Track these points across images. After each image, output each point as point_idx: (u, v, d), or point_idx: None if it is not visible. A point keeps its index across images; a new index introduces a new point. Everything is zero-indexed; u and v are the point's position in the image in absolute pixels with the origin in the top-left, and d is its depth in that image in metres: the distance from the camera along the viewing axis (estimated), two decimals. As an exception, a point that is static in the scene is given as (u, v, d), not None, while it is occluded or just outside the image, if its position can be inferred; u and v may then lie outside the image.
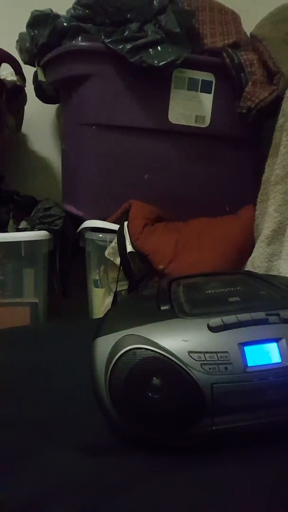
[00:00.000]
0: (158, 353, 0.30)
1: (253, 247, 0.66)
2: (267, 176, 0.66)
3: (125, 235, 0.68)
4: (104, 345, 0.32)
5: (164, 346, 0.30)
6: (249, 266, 0.65)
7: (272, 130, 0.66)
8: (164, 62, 0.64)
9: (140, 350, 0.30)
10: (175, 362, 0.30)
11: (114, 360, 0.31)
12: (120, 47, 0.65)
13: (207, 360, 0.30)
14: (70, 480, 0.30)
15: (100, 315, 0.72)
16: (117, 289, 0.69)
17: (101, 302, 0.74)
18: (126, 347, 0.31)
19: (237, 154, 0.77)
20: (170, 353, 0.30)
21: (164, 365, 0.30)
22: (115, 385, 0.31)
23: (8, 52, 0.77)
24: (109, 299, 0.72)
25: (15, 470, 0.31)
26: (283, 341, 0.31)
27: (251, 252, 0.66)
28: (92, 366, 0.32)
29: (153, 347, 0.30)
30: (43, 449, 0.33)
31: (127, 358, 0.30)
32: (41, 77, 0.78)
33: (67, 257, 0.78)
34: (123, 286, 0.69)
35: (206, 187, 0.76)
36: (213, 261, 0.65)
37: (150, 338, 0.31)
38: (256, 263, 0.63)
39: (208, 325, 0.31)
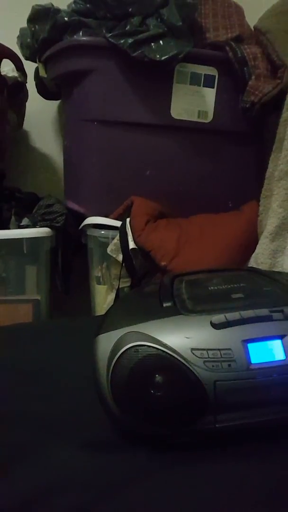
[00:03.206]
0: (161, 350, 0.30)
1: (257, 244, 0.65)
2: (271, 172, 0.65)
3: (127, 232, 0.67)
4: (106, 342, 0.32)
5: (167, 343, 0.30)
6: (252, 263, 0.64)
7: (276, 124, 0.65)
8: (166, 57, 0.63)
9: (143, 347, 0.30)
10: (177, 359, 0.29)
11: (116, 357, 0.30)
12: (122, 41, 0.64)
13: (210, 357, 0.29)
14: (72, 476, 0.29)
15: (103, 312, 0.71)
16: (120, 286, 0.69)
17: (103, 299, 0.74)
18: (128, 344, 0.30)
19: (240, 149, 0.76)
20: (173, 350, 0.30)
21: (166, 362, 0.30)
22: (117, 382, 0.30)
23: (9, 48, 0.76)
24: (111, 296, 0.72)
25: (17, 467, 0.31)
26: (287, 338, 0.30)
27: (255, 249, 0.65)
28: (94, 363, 0.32)
29: (156, 344, 0.30)
30: (45, 446, 0.33)
31: (130, 355, 0.30)
32: (42, 73, 0.78)
33: (69, 254, 0.77)
34: (125, 283, 0.69)
35: (209, 183, 0.75)
36: (216, 257, 0.65)
37: (153, 335, 0.30)
38: (259, 259, 0.63)
39: (211, 322, 0.31)
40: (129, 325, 0.32)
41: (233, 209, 0.75)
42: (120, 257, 0.68)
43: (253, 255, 0.65)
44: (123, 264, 0.68)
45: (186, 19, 0.65)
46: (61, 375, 0.44)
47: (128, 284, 0.69)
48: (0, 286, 0.72)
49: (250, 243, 0.67)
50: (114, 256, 0.69)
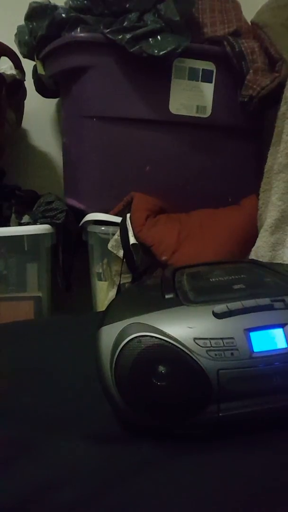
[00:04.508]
0: (164, 340, 0.30)
1: (257, 237, 0.66)
2: (270, 165, 0.65)
3: (128, 227, 0.67)
4: (109, 333, 0.32)
5: (170, 333, 0.30)
6: (252, 256, 0.65)
7: (275, 118, 0.65)
8: (164, 52, 0.63)
9: (146, 338, 0.30)
10: (180, 349, 0.30)
11: (120, 348, 0.31)
12: (120, 37, 0.64)
13: (212, 347, 0.30)
14: (75, 469, 0.30)
15: (104, 308, 0.72)
16: (121, 282, 0.69)
17: (104, 295, 0.74)
18: (132, 335, 0.31)
19: (239, 144, 0.76)
20: (176, 340, 0.30)
21: (169, 352, 0.30)
22: (121, 373, 0.31)
23: (7, 46, 0.76)
24: (112, 292, 0.72)
25: (22, 459, 0.31)
26: (289, 326, 0.31)
27: (254, 243, 0.66)
28: (97, 355, 0.32)
29: (159, 334, 0.30)
30: (50, 438, 0.33)
31: (133, 346, 0.30)
32: (40, 70, 0.78)
33: (70, 251, 0.77)
34: (126, 278, 0.69)
35: (208, 178, 0.75)
36: (216, 251, 0.65)
37: (155, 326, 0.31)
38: (259, 252, 0.63)
39: (213, 311, 0.31)
40: (132, 316, 0.32)
41: (232, 204, 0.75)
42: (120, 253, 0.68)
43: (254, 248, 0.65)
44: (124, 260, 0.68)
45: (183, 14, 0.65)
46: (63, 371, 0.44)
47: (129, 280, 0.69)
48: (2, 283, 0.73)
49: (250, 237, 0.67)
50: (114, 252, 0.69)
